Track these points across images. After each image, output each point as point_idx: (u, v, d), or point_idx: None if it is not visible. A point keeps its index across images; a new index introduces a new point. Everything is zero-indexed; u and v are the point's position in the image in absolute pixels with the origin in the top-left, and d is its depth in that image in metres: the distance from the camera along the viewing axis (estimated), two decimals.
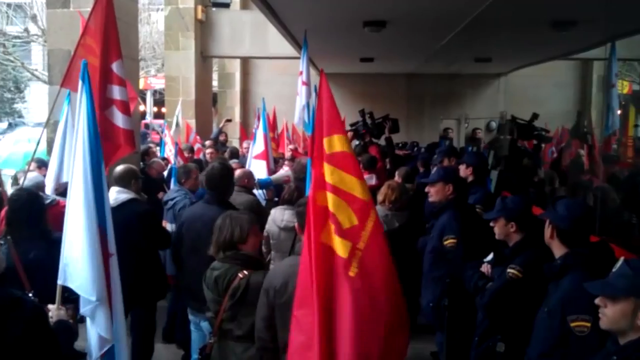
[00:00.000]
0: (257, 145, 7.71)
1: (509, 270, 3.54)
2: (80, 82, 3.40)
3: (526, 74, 13.74)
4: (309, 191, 3.08)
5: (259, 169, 7.41)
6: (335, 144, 2.79)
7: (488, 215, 3.82)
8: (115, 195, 4.66)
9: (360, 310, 2.64)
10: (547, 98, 12.13)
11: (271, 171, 7.46)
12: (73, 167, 3.34)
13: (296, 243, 3.88)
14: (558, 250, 3.01)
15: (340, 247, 2.69)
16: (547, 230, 3.05)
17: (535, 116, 9.45)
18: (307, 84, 7.18)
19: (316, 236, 2.71)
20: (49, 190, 5.39)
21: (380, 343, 2.67)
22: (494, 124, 14.62)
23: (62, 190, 5.38)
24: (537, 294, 3.15)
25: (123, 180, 4.80)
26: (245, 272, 3.32)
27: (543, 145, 9.41)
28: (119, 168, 4.91)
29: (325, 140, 2.79)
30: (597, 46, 10.24)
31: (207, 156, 8.64)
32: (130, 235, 4.49)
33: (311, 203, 2.77)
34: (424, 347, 5.27)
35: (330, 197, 2.74)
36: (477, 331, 3.75)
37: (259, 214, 4.84)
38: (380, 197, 5.31)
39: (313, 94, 6.69)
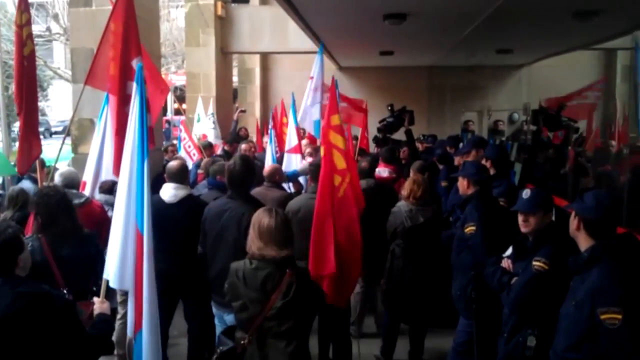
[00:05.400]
0: (291, 139, 7.69)
1: (534, 263, 3.48)
2: (135, 85, 3.47)
3: (549, 64, 13.52)
4: (322, 149, 4.46)
5: (294, 163, 7.43)
6: (337, 119, 4.45)
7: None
8: (174, 191, 4.72)
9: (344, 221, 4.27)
10: (571, 88, 11.88)
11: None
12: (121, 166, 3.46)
13: None
14: (584, 242, 2.97)
15: (336, 179, 4.32)
16: (573, 222, 3.00)
17: (562, 107, 9.36)
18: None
19: (329, 177, 4.28)
20: (88, 188, 5.39)
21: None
22: (516, 116, 14.46)
23: (106, 187, 5.41)
24: (565, 285, 3.10)
25: (178, 176, 4.81)
26: (291, 270, 3.28)
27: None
28: (173, 164, 4.93)
29: (332, 117, 4.43)
30: (621, 35, 10.08)
31: (243, 152, 8.41)
32: (192, 230, 4.52)
33: (324, 158, 4.30)
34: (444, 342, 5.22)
35: (334, 152, 4.33)
36: (504, 328, 3.68)
37: None
38: (404, 193, 5.30)
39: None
